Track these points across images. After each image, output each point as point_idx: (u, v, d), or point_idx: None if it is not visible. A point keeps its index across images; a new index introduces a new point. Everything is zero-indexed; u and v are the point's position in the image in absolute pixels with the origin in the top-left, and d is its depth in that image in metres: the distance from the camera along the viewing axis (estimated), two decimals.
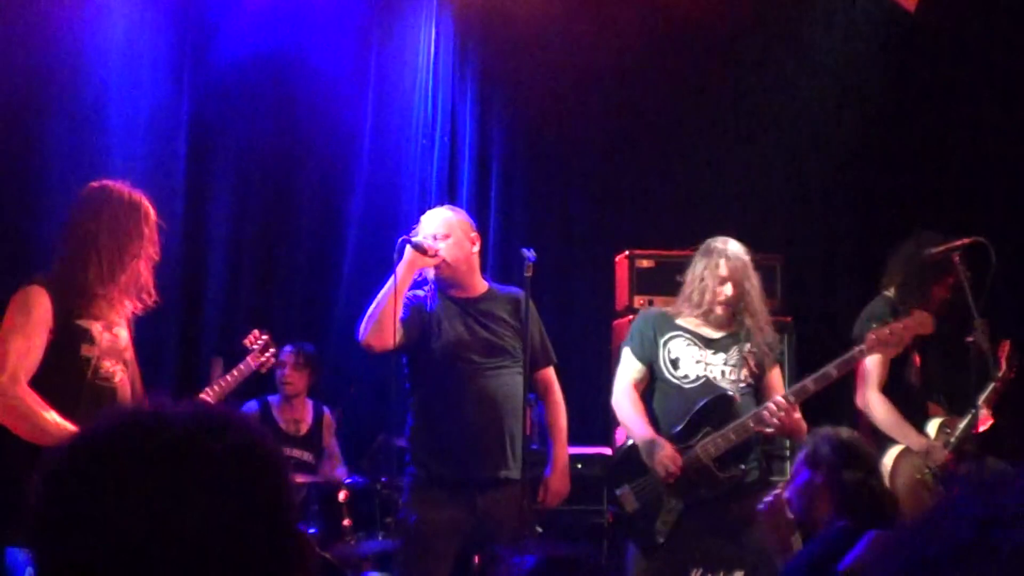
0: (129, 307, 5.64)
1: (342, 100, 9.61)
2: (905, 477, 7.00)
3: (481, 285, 6.76)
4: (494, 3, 9.85)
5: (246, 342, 6.61)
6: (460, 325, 6.53)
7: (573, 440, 8.24)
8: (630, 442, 6.76)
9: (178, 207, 8.92)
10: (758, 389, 6.76)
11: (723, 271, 6.72)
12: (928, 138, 9.87)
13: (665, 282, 8.38)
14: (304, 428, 8.81)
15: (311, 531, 7.64)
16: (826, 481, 4.84)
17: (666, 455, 6.42)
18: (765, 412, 6.43)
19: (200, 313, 9.05)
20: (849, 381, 7.14)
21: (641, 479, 6.59)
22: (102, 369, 5.47)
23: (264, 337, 6.62)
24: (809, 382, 6.52)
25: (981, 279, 7.03)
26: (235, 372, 6.32)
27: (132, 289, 5.61)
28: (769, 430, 6.50)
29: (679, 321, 6.85)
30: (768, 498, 5.46)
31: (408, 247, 6.47)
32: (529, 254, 6.37)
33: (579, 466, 8.36)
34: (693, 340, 6.77)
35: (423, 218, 6.82)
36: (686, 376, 6.71)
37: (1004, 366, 7.24)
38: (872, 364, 7.12)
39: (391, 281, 6.42)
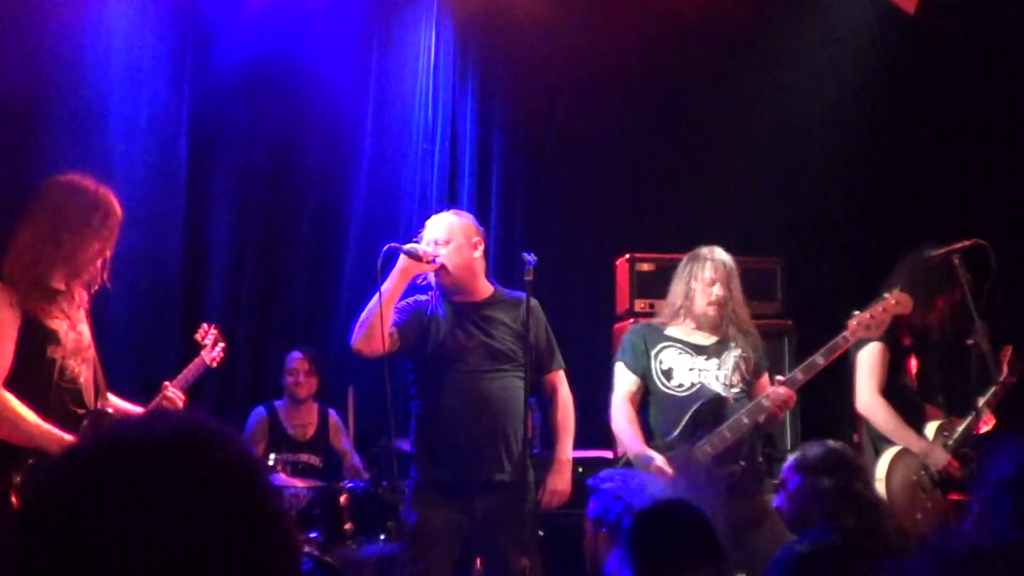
0: (84, 302, 5.61)
1: (343, 105, 9.61)
2: (902, 479, 6.99)
3: (485, 289, 6.77)
4: (494, 8, 9.85)
5: (196, 337, 6.59)
6: (459, 330, 6.54)
7: (574, 444, 8.25)
8: (626, 457, 6.80)
9: (179, 210, 8.93)
10: (749, 394, 6.80)
11: (710, 273, 6.82)
12: (928, 140, 9.88)
13: (665, 285, 8.34)
14: (311, 431, 8.83)
15: (312, 535, 7.63)
16: (814, 487, 4.85)
17: (655, 466, 6.44)
18: (770, 394, 6.47)
19: (201, 316, 9.02)
20: (848, 384, 7.15)
21: None
22: (68, 370, 5.43)
23: (214, 331, 6.59)
24: (798, 372, 6.59)
25: (981, 282, 7.04)
26: (188, 370, 6.29)
27: (90, 283, 5.58)
28: (767, 416, 6.54)
29: (668, 331, 6.92)
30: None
31: (401, 255, 6.46)
32: (530, 258, 6.37)
33: (580, 470, 8.33)
34: (684, 349, 6.83)
35: (427, 223, 6.85)
36: (680, 385, 6.76)
37: (1006, 370, 7.23)
38: (871, 367, 7.11)
39: (381, 288, 6.43)
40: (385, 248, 6.47)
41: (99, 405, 5.58)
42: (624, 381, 6.92)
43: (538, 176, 10.15)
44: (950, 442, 7.05)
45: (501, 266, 9.11)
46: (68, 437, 5.23)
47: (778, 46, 10.09)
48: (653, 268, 8.49)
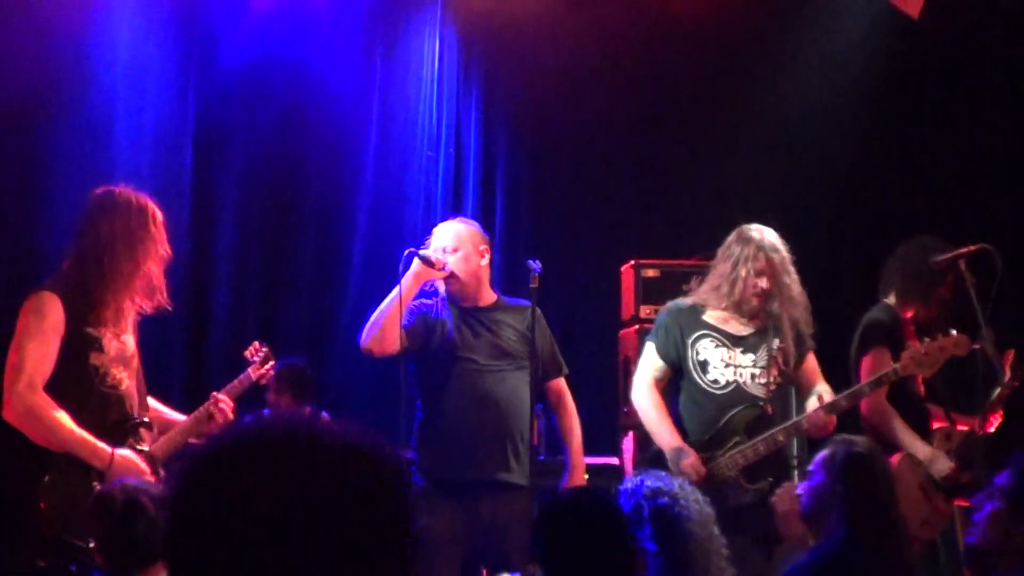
0: (133, 313, 5.65)
1: (347, 112, 9.62)
2: (907, 484, 6.98)
3: (490, 296, 6.81)
4: (498, 15, 9.86)
5: (246, 354, 6.61)
6: (465, 329, 6.58)
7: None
8: (655, 448, 6.72)
9: (184, 218, 8.93)
10: (793, 380, 6.73)
11: (760, 263, 6.63)
12: (933, 145, 9.86)
13: (671, 291, 8.34)
14: None
15: None
16: (837, 488, 4.85)
17: (690, 463, 6.38)
18: (806, 421, 6.43)
19: (206, 323, 9.06)
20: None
21: None
22: (110, 376, 5.50)
23: (264, 349, 6.60)
24: (842, 399, 6.53)
25: (986, 286, 7.03)
26: (236, 383, 6.31)
27: (143, 292, 5.62)
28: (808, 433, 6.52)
29: (706, 316, 6.76)
30: (779, 490, 5.50)
31: (415, 259, 6.49)
32: (535, 265, 6.38)
33: (585, 476, 8.35)
34: (721, 339, 6.69)
35: (435, 230, 6.89)
36: (716, 381, 6.64)
37: (1008, 374, 7.22)
38: (876, 372, 7.10)
39: (396, 290, 6.46)
40: (407, 253, 6.54)
41: (138, 415, 5.61)
42: (650, 364, 6.81)
43: (542, 182, 10.15)
44: (954, 447, 7.04)
45: (506, 273, 9.11)
46: (103, 446, 5.29)
47: (782, 51, 10.09)
48: (658, 274, 8.49)
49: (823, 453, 5.04)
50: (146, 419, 5.64)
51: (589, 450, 8.45)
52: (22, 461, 5.26)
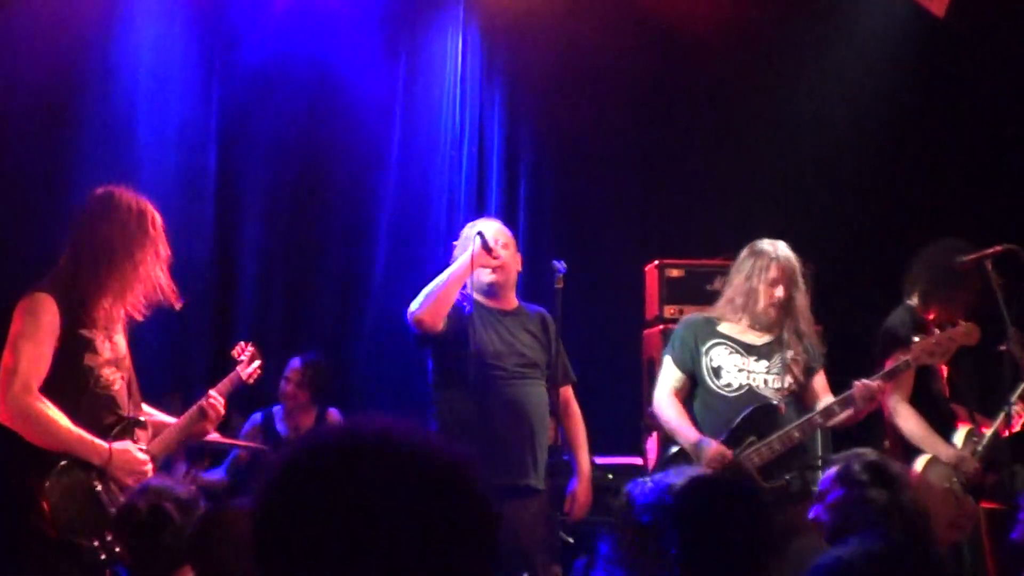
0: (124, 315, 5.64)
1: (370, 111, 9.62)
2: (932, 487, 6.96)
3: (514, 301, 6.84)
4: (521, 14, 9.84)
5: (233, 353, 6.59)
6: (494, 333, 6.59)
7: (603, 450, 8.25)
8: (674, 448, 6.73)
9: (208, 217, 8.95)
10: (801, 396, 6.73)
11: (773, 272, 6.66)
12: (958, 144, 9.83)
13: (695, 291, 8.38)
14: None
15: None
16: (857, 499, 4.83)
17: (714, 451, 6.40)
18: (855, 391, 6.44)
19: (230, 322, 9.06)
20: None
21: None
22: (103, 378, 5.49)
23: (250, 349, 6.59)
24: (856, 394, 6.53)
25: (1013, 287, 7.01)
26: (225, 383, 6.29)
27: (141, 294, 5.61)
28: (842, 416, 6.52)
29: (721, 328, 6.81)
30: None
31: (479, 238, 6.52)
32: (560, 266, 6.38)
33: (610, 476, 8.34)
34: (735, 348, 6.74)
35: (486, 225, 6.88)
36: (728, 385, 6.68)
37: None
38: (901, 375, 7.08)
39: (455, 265, 6.52)
40: (477, 233, 6.56)
41: (132, 414, 5.62)
42: (669, 376, 6.85)
43: (566, 182, 10.15)
44: (979, 448, 7.02)
45: (529, 273, 9.10)
46: (100, 443, 5.31)
47: (807, 50, 10.07)
48: (682, 274, 8.49)
49: (832, 471, 5.03)
50: (141, 418, 5.65)
51: (613, 450, 8.49)
52: (23, 462, 5.26)
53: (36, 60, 8.26)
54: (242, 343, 6.60)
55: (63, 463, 5.24)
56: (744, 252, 6.86)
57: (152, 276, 5.60)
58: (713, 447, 6.45)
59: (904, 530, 4.71)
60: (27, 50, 8.22)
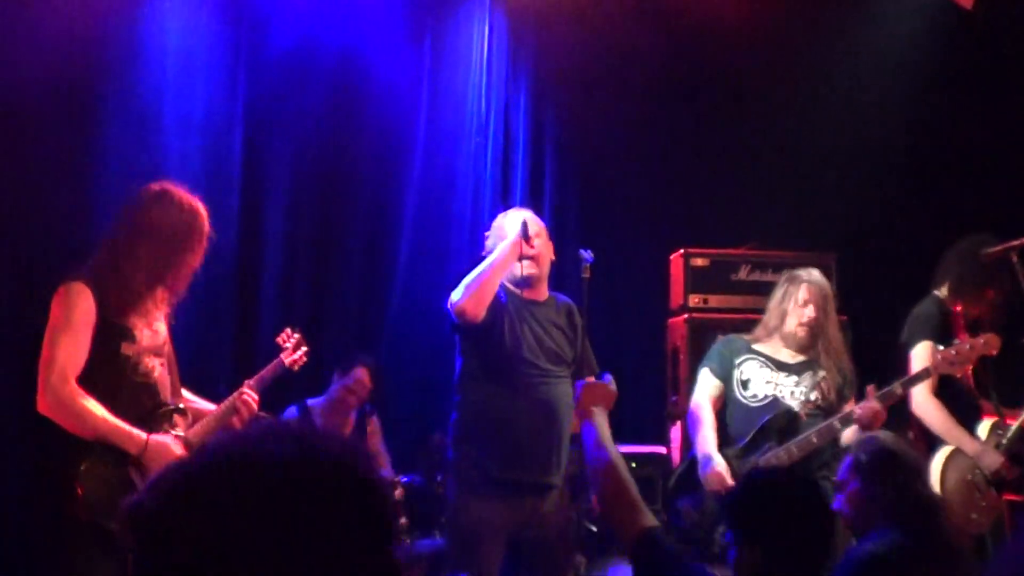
0: (166, 302, 5.67)
1: (396, 98, 9.61)
2: (955, 480, 6.96)
3: (546, 292, 6.79)
4: (547, 1, 9.84)
5: (278, 340, 6.59)
6: (528, 330, 6.52)
7: (628, 439, 8.26)
8: (694, 453, 6.80)
9: (233, 205, 8.94)
10: (830, 415, 6.75)
11: (804, 294, 6.90)
12: (984, 135, 9.80)
13: (720, 280, 8.39)
14: (345, 432, 8.77)
15: None
16: (874, 489, 4.84)
17: (713, 474, 6.52)
18: (858, 410, 6.49)
19: (255, 309, 9.07)
20: None
21: (703, 490, 6.62)
22: (141, 366, 5.50)
23: (296, 336, 6.59)
24: (875, 399, 6.55)
25: None
26: (267, 371, 6.29)
27: (179, 287, 5.64)
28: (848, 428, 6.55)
29: (756, 347, 6.99)
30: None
31: (519, 226, 6.51)
32: (587, 255, 6.36)
33: (633, 465, 8.35)
34: (767, 363, 6.90)
35: (518, 212, 6.83)
36: (754, 396, 6.82)
37: None
38: (925, 364, 7.08)
39: (497, 253, 6.47)
40: (521, 221, 6.52)
41: (172, 401, 5.64)
42: (707, 384, 7.03)
43: (591, 170, 10.15)
44: (1003, 441, 7.01)
45: (554, 262, 9.14)
46: (137, 432, 5.32)
47: (834, 41, 10.05)
48: (707, 263, 8.50)
49: (848, 459, 5.05)
50: (180, 405, 5.66)
51: (637, 439, 8.50)
52: (60, 449, 5.29)
53: (62, 46, 8.27)
54: (288, 330, 6.60)
55: (99, 451, 5.27)
56: (780, 280, 7.12)
57: (189, 274, 5.63)
58: (714, 470, 6.58)
59: (920, 521, 4.72)
60: (53, 36, 8.23)
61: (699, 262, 8.52)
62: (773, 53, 10.01)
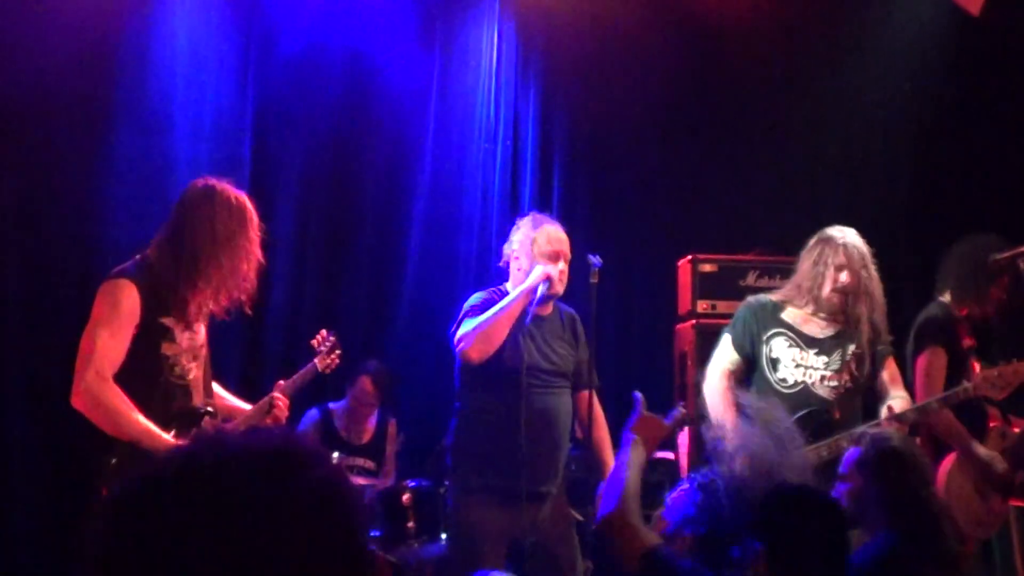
0: (213, 306, 5.64)
1: (405, 102, 9.63)
2: (962, 485, 6.97)
3: (551, 305, 6.77)
4: (556, 7, 9.85)
5: (313, 343, 6.57)
6: (531, 341, 6.50)
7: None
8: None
9: None
10: (871, 388, 6.67)
11: (840, 258, 6.58)
12: (990, 140, 9.80)
13: (728, 286, 8.38)
14: (367, 437, 8.80)
15: (375, 533, 7.67)
16: (876, 488, 4.83)
17: None
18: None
19: (264, 313, 9.07)
20: (909, 389, 7.07)
21: None
22: (179, 367, 5.49)
23: (331, 338, 6.56)
24: (910, 412, 6.47)
25: None
26: (300, 374, 6.27)
27: (230, 291, 5.60)
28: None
29: (785, 314, 6.73)
30: None
31: (542, 286, 6.45)
32: (595, 260, 6.36)
33: None
34: (796, 340, 6.66)
35: (555, 234, 6.70)
36: (784, 380, 6.61)
37: None
38: (930, 372, 7.06)
39: (510, 299, 6.44)
40: (545, 275, 6.46)
41: (203, 404, 5.62)
42: (725, 355, 6.76)
43: (600, 175, 10.15)
44: (1009, 447, 7.02)
45: None
46: (165, 436, 5.30)
47: (841, 46, 10.06)
48: (715, 269, 8.49)
49: (853, 452, 5.04)
50: (210, 408, 5.65)
51: None
52: (89, 447, 5.29)
53: (73, 51, 8.30)
54: (323, 332, 6.57)
55: (126, 451, 5.25)
56: (814, 238, 6.79)
57: (241, 276, 5.59)
58: None
59: (915, 524, 4.71)
60: (64, 41, 8.26)
61: (707, 268, 8.51)
62: (782, 58, 10.02)
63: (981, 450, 7.01)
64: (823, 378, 6.61)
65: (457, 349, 6.46)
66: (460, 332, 6.45)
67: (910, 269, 9.11)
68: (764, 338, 6.70)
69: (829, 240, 6.68)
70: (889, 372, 6.73)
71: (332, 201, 9.45)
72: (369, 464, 8.69)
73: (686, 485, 4.58)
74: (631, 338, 9.69)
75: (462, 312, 6.59)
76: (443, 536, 7.81)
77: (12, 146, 8.18)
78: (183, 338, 5.49)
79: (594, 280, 6.44)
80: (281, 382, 5.98)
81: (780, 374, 6.64)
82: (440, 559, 7.65)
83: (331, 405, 8.70)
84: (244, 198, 5.63)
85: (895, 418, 6.40)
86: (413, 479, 8.24)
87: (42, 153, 8.28)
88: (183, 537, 1.63)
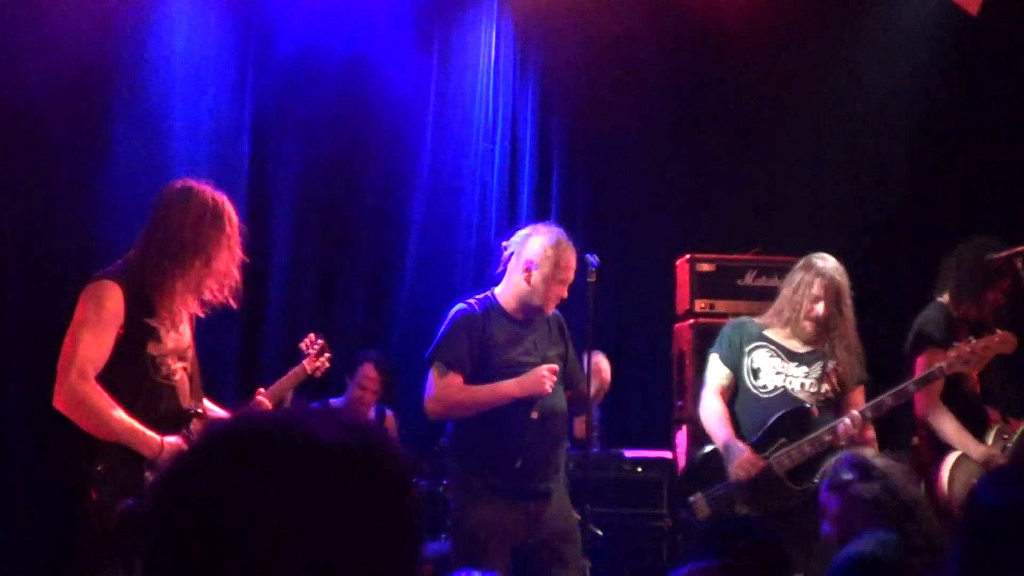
0: (195, 305, 5.65)
1: (403, 103, 9.63)
2: (963, 484, 6.96)
3: None
4: (555, 6, 9.86)
5: (301, 346, 6.57)
6: (522, 348, 6.51)
7: (634, 444, 8.26)
8: (708, 448, 6.78)
9: (240, 208, 8.91)
10: (839, 406, 6.70)
11: (817, 290, 6.68)
12: (989, 140, 9.81)
13: (725, 286, 8.40)
14: None
15: None
16: (851, 501, 4.85)
17: (744, 459, 6.46)
18: (840, 427, 6.43)
19: (262, 314, 9.08)
20: None
21: (715, 486, 6.61)
22: (164, 367, 5.47)
23: (320, 341, 6.56)
24: (887, 397, 6.52)
25: None
26: (288, 377, 6.27)
27: (212, 288, 5.61)
28: (842, 444, 6.48)
29: (767, 332, 6.85)
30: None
31: (540, 391, 6.39)
32: (593, 259, 6.36)
33: (639, 470, 8.38)
34: (777, 352, 6.77)
35: (572, 260, 6.62)
36: (764, 386, 6.71)
37: None
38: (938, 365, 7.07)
39: (498, 395, 6.39)
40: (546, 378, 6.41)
41: (191, 406, 5.61)
42: (716, 374, 6.88)
43: (598, 175, 10.15)
44: (1009, 445, 7.02)
45: None
46: (152, 435, 5.29)
47: (839, 46, 10.06)
48: (713, 268, 8.51)
49: (825, 481, 5.09)
50: (199, 410, 5.64)
51: (643, 444, 8.50)
52: (76, 450, 5.28)
53: (70, 50, 8.30)
54: (312, 335, 6.58)
55: (114, 454, 5.24)
56: (798, 264, 6.88)
57: (222, 273, 5.60)
58: (744, 454, 6.51)
59: (902, 516, 4.73)
60: (62, 40, 8.26)
61: (705, 267, 8.52)
62: (778, 59, 10.02)
63: (980, 449, 7.00)
64: (803, 385, 6.70)
65: (424, 399, 6.50)
66: (435, 390, 6.48)
67: (909, 269, 9.13)
68: (746, 350, 6.82)
69: (810, 268, 6.78)
70: (856, 399, 6.76)
71: (330, 201, 9.45)
72: None
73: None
74: (629, 337, 9.69)
75: (442, 330, 6.58)
76: (443, 535, 7.81)
77: (11, 147, 8.19)
78: (169, 338, 5.48)
79: (591, 279, 6.44)
80: (262, 389, 5.98)
81: (761, 381, 6.74)
82: (441, 558, 7.65)
83: (333, 401, 8.70)
84: (222, 197, 5.63)
85: (872, 407, 6.49)
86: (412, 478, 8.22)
87: (41, 154, 8.28)
88: (232, 520, 1.60)
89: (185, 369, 5.61)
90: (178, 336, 5.55)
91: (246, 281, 8.76)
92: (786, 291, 6.86)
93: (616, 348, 9.28)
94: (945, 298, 7.34)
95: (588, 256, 6.44)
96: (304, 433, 1.68)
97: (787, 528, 6.17)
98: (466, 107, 9.78)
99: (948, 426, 7.02)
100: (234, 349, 8.81)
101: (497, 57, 9.83)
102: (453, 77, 9.81)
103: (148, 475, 5.26)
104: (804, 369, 6.71)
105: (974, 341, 6.66)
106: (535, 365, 6.41)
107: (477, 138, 9.73)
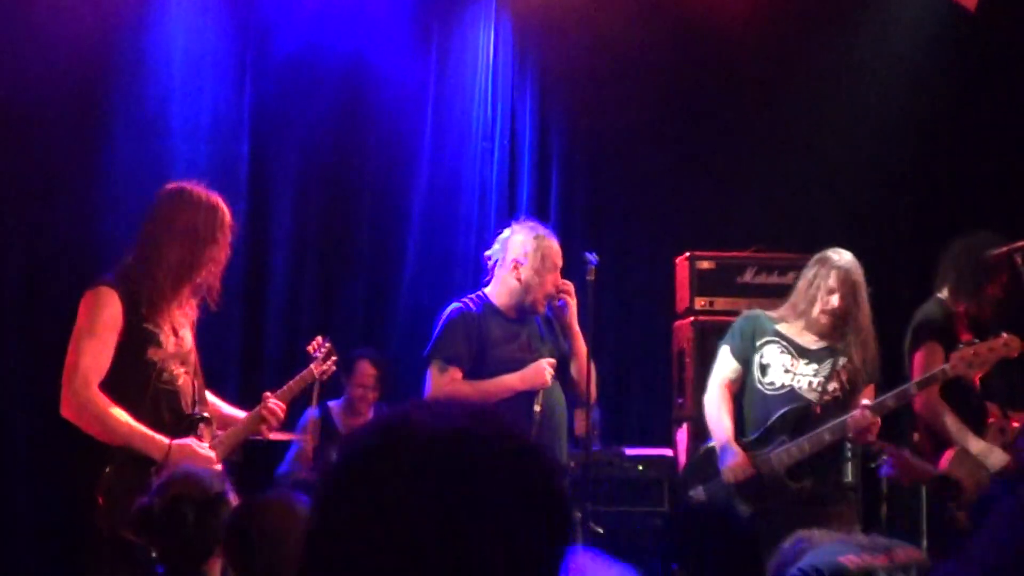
0: (193, 309, 5.67)
1: (402, 102, 9.61)
2: (961, 479, 6.96)
3: None
4: (553, 5, 9.84)
5: (309, 348, 6.55)
6: (515, 342, 6.55)
7: (634, 441, 8.25)
8: (709, 443, 6.79)
9: (240, 209, 8.94)
10: (847, 405, 6.69)
11: (832, 282, 6.68)
12: (989, 137, 9.80)
13: (725, 283, 8.40)
14: None
15: None
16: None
17: (735, 463, 6.48)
18: (850, 419, 6.43)
19: (262, 314, 9.08)
20: None
21: (715, 481, 6.62)
22: (167, 372, 5.49)
23: (327, 344, 6.54)
24: (889, 399, 6.55)
25: None
26: (296, 380, 6.24)
27: (200, 291, 5.63)
28: (851, 436, 6.50)
29: (779, 327, 6.84)
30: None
31: (541, 383, 6.48)
32: (592, 258, 6.37)
33: (639, 468, 8.37)
34: (787, 348, 6.76)
35: (558, 248, 6.76)
36: (772, 383, 6.71)
37: None
38: (928, 367, 7.06)
39: (501, 388, 6.47)
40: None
41: (196, 410, 5.61)
42: (724, 366, 6.88)
43: (598, 173, 10.13)
44: (1009, 441, 7.01)
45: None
46: (160, 438, 5.30)
47: (839, 44, 10.04)
48: (713, 266, 8.50)
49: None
50: (205, 415, 5.63)
51: (643, 442, 8.50)
52: (82, 456, 5.29)
53: (69, 51, 8.31)
54: (319, 338, 6.54)
55: (121, 458, 5.25)
56: (813, 258, 6.88)
57: (216, 276, 5.62)
58: (737, 459, 6.54)
59: None
60: (60, 43, 8.27)
61: (705, 265, 8.52)
62: (779, 57, 10.00)
63: (980, 444, 7.00)
64: (811, 384, 6.70)
65: (425, 397, 6.43)
66: (436, 386, 6.57)
67: (910, 267, 9.12)
68: (757, 344, 6.81)
69: (826, 262, 6.78)
70: (865, 396, 6.76)
71: (329, 201, 9.44)
72: None
73: None
74: (629, 335, 9.68)
75: (438, 328, 6.65)
76: None
77: (9, 148, 8.19)
78: (169, 343, 5.49)
79: (591, 277, 6.45)
80: (268, 393, 5.96)
81: (769, 378, 6.74)
82: None
83: (330, 404, 8.69)
84: (215, 199, 5.65)
85: (874, 407, 6.48)
86: None
87: (39, 155, 8.29)
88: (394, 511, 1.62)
89: (188, 373, 5.61)
90: (179, 341, 5.56)
91: (246, 281, 8.84)
92: (801, 284, 6.86)
93: (616, 346, 9.29)
94: (944, 294, 7.34)
95: (587, 254, 6.45)
96: (477, 435, 1.72)
97: (784, 524, 6.18)
98: (465, 106, 9.76)
99: (947, 421, 7.01)
100: (235, 349, 8.81)
101: (496, 56, 9.81)
102: (452, 76, 9.79)
103: (155, 479, 5.25)
104: (814, 367, 6.71)
105: (978, 343, 6.65)
106: (531, 361, 6.42)
107: (476, 137, 9.71)
